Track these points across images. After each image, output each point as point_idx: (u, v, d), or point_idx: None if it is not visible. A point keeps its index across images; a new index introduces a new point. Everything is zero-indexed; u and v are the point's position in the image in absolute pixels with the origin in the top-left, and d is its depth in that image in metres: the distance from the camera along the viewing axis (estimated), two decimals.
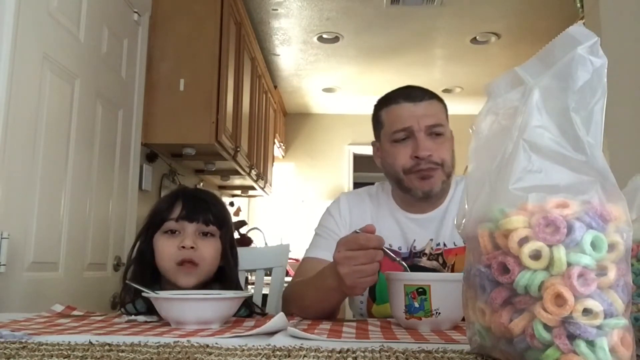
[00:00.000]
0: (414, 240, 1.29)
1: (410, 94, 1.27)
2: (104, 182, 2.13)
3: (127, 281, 1.07)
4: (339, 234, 1.33)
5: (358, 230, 0.98)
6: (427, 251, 1.27)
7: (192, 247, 1.07)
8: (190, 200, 1.12)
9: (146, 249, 1.12)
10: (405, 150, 1.25)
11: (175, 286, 1.09)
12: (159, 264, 1.10)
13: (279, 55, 4.22)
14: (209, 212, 1.11)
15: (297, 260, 4.64)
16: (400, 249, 1.29)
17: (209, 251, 1.10)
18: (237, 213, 4.74)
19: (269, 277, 1.55)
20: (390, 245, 1.28)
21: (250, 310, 1.14)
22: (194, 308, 0.86)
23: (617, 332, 0.47)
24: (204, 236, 1.11)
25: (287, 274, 1.72)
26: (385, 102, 1.31)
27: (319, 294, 1.09)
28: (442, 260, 1.26)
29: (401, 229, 1.31)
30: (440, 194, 1.29)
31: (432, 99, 1.28)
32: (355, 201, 1.39)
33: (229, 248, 1.15)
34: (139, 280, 1.08)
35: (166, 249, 1.09)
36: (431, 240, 1.28)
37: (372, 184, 1.47)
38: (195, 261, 1.08)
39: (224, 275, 1.14)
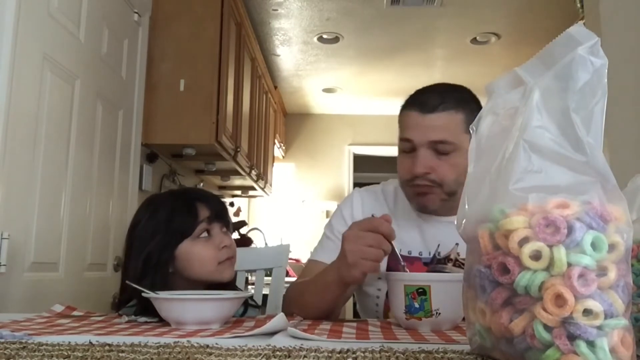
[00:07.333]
0: (438, 245, 1.21)
1: (424, 101, 1.15)
2: (104, 183, 2.13)
3: (127, 281, 1.06)
4: None
5: (374, 215, 0.99)
6: (452, 256, 1.20)
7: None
8: (210, 200, 1.12)
9: (168, 257, 1.05)
10: (407, 162, 1.17)
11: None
12: (196, 270, 1.06)
13: (279, 55, 4.22)
14: (225, 208, 1.14)
15: (297, 260, 4.64)
16: (421, 254, 1.22)
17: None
18: (237, 213, 4.73)
19: (269, 277, 1.55)
20: (409, 252, 1.22)
21: (245, 306, 1.14)
22: (194, 308, 0.86)
23: (617, 333, 0.47)
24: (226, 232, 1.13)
25: (287, 274, 1.72)
26: (404, 103, 1.22)
27: (318, 289, 1.09)
28: None
29: (421, 233, 1.24)
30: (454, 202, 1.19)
31: (447, 110, 1.13)
32: (370, 200, 1.31)
33: None
34: (156, 288, 1.02)
35: (206, 254, 1.06)
36: (457, 244, 1.19)
37: (377, 183, 1.37)
38: (234, 256, 1.11)
39: None
